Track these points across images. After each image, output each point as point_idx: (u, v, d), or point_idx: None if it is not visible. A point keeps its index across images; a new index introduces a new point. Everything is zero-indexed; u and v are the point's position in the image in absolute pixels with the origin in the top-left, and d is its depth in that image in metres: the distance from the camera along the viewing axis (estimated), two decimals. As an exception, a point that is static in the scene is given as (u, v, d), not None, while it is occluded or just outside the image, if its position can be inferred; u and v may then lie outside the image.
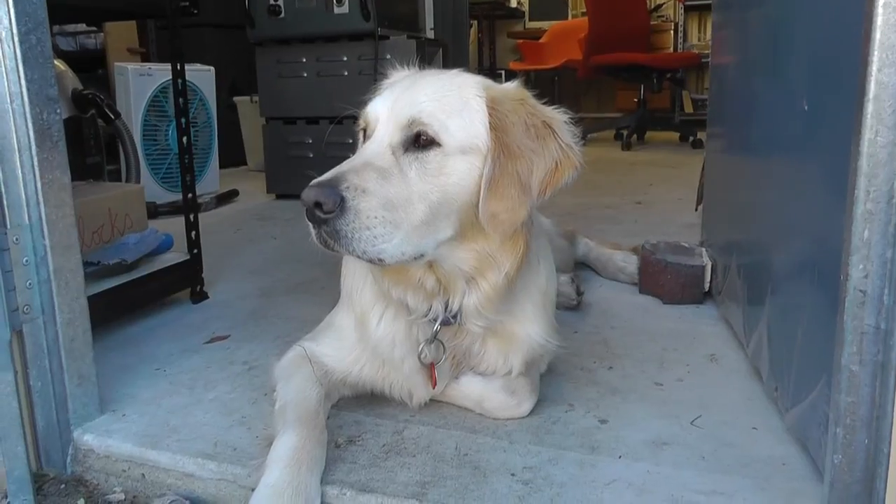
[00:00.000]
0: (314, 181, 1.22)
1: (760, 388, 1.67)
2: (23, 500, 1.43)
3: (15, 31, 1.36)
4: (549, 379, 1.68)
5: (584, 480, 1.31)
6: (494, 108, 1.32)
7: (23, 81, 1.38)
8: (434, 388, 1.53)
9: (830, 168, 1.29)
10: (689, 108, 8.45)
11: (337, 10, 4.04)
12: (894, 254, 0.92)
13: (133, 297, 2.14)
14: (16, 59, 1.37)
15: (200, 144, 4.39)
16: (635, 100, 7.55)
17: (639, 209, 3.91)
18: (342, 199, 1.19)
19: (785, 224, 1.58)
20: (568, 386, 1.71)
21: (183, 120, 2.28)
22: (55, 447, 1.53)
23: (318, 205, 1.19)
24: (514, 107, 1.35)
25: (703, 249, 2.40)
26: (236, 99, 5.43)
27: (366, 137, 1.37)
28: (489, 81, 1.41)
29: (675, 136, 7.43)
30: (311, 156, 4.30)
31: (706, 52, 7.79)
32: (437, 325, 1.44)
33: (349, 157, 1.55)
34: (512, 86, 1.42)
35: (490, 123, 1.31)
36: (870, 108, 0.91)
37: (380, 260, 1.24)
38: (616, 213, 3.73)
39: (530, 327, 1.51)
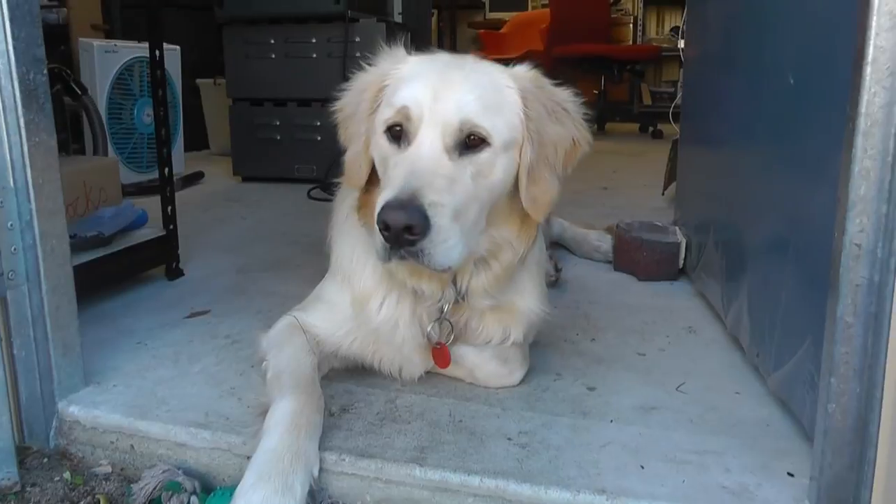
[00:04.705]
0: (392, 201, 1.17)
1: (740, 357, 1.73)
2: (7, 472, 1.39)
3: (1, -14, 1.31)
4: (535, 350, 1.71)
5: (579, 443, 1.34)
6: (526, 99, 1.35)
7: (9, 39, 1.33)
8: (447, 367, 1.53)
9: (813, 144, 1.34)
10: (647, 100, 8.61)
11: (307, -10, 4.00)
12: (888, 209, 0.97)
13: (109, 272, 2.09)
14: (2, 17, 1.32)
15: (165, 125, 4.27)
16: (595, 91, 7.65)
17: (606, 194, 3.99)
18: (426, 219, 1.16)
19: (765, 201, 1.63)
20: (554, 356, 1.74)
21: (160, 91, 2.23)
22: (38, 420, 1.48)
23: (407, 228, 1.15)
24: (537, 93, 1.38)
25: (677, 228, 2.46)
26: (199, 81, 5.31)
27: (402, 132, 1.32)
28: (512, 69, 1.43)
29: (635, 126, 7.58)
30: (279, 138, 4.23)
31: (665, 45, 7.94)
32: (447, 307, 1.45)
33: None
34: (526, 69, 1.43)
35: (525, 114, 1.34)
36: (868, 70, 0.96)
37: (449, 268, 1.24)
38: (584, 197, 3.79)
39: (530, 300, 1.54)
